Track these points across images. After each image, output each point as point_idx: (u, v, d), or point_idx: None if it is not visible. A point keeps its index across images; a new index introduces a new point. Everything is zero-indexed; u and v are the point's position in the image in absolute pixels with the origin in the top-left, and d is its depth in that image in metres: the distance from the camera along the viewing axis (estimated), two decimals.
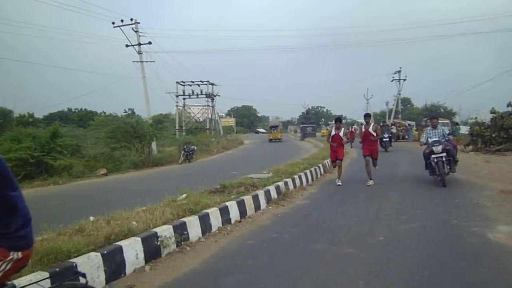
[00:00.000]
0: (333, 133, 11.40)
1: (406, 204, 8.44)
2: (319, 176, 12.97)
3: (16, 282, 3.46)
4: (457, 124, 34.90)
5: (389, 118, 49.93)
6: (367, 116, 11.89)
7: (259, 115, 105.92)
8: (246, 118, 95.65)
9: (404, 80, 46.92)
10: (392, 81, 47.62)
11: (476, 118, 31.33)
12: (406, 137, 36.16)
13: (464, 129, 32.44)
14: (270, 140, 46.77)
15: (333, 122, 11.96)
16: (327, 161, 14.55)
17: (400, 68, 46.93)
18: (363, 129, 11.53)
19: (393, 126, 36.60)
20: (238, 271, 4.66)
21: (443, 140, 10.43)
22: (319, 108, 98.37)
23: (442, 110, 62.78)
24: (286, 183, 9.70)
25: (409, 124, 38.53)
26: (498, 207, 7.83)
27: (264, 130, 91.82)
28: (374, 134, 11.19)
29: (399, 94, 48.20)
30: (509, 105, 23.76)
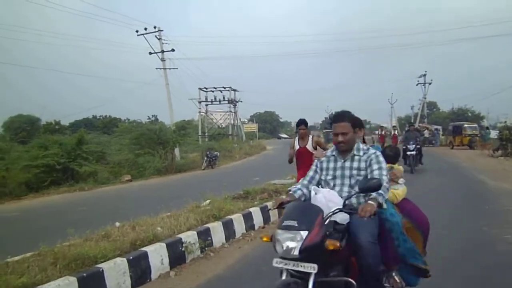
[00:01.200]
0: (296, 146, 6.58)
1: (436, 211, 8.21)
2: None
3: (44, 287, 3.52)
4: (487, 128, 33.99)
5: (415, 122, 49.06)
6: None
7: (281, 120, 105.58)
8: (268, 124, 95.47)
9: (430, 83, 45.98)
10: (417, 85, 46.77)
11: (505, 122, 30.40)
12: (433, 142, 35.33)
13: (493, 134, 31.50)
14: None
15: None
16: None
17: (426, 71, 46.05)
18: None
19: (425, 130, 35.61)
20: (262, 277, 4.61)
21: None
22: None
23: (469, 114, 61.14)
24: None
25: (436, 129, 37.64)
26: None
27: (286, 136, 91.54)
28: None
29: (425, 98, 47.26)
30: None
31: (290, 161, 6.75)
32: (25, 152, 17.98)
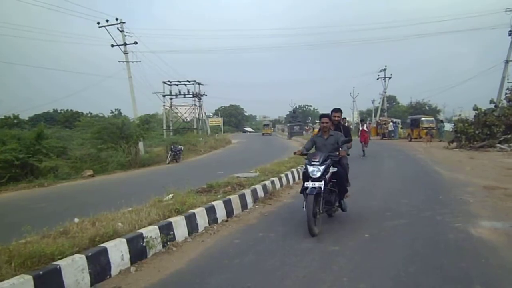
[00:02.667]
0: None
1: (391, 201, 8.54)
2: None
3: None
4: (441, 121, 35.45)
5: (375, 116, 50.40)
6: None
7: (246, 114, 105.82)
8: (233, 118, 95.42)
9: (390, 78, 47.53)
10: (377, 79, 48.15)
11: (460, 115, 31.88)
12: (393, 135, 36.55)
13: (448, 126, 32.94)
14: (263, 134, 61.65)
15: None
16: None
17: (386, 66, 47.50)
18: None
19: (389, 123, 36.84)
20: (225, 271, 4.67)
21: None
22: (306, 106, 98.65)
23: (427, 108, 63.52)
24: (273, 182, 9.73)
25: (394, 122, 38.96)
26: (481, 202, 7.99)
27: (251, 129, 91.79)
28: None
29: (385, 92, 48.76)
30: (491, 102, 24.22)
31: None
32: None
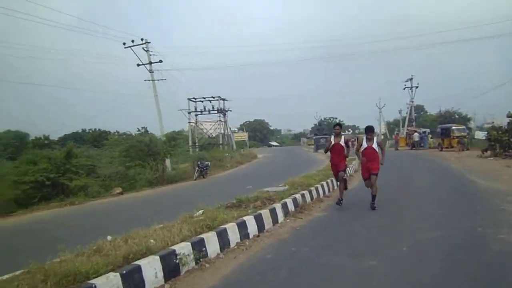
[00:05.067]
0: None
1: (426, 212, 8.23)
2: (335, 187, 12.78)
3: None
4: (470, 129, 34.48)
5: (403, 126, 49.44)
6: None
7: (271, 128, 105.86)
8: (258, 132, 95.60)
9: (417, 87, 46.56)
10: (404, 89, 47.32)
11: (493, 123, 30.84)
12: (422, 144, 35.69)
13: (481, 135, 31.88)
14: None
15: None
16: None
17: (412, 75, 46.64)
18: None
19: (414, 133, 36.16)
20: (258, 287, 4.54)
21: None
22: (331, 119, 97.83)
23: (456, 116, 61.97)
24: (303, 195, 9.56)
25: (424, 132, 38.06)
26: None
27: (277, 144, 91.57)
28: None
29: (412, 102, 47.77)
30: None
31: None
32: (13, 168, 17.74)
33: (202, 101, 43.12)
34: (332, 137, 9.67)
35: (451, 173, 15.70)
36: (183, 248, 5.21)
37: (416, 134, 36.74)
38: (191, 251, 5.31)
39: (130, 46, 27.32)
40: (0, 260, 6.68)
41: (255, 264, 5.47)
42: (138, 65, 28.14)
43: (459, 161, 20.46)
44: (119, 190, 17.98)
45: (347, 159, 10.05)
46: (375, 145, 8.89)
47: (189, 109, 42.57)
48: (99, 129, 59.23)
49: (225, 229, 6.26)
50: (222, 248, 6.02)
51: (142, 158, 21.15)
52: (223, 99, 45.30)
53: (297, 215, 8.47)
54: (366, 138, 9.00)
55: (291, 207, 8.64)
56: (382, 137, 37.20)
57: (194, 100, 42.78)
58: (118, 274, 4.18)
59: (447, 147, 30.75)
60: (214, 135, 49.72)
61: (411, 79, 46.51)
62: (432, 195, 10.59)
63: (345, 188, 9.73)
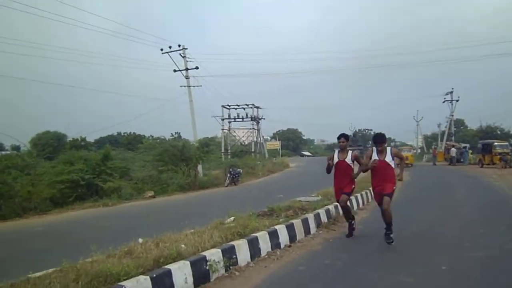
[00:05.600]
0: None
1: (467, 231, 7.81)
2: (370, 200, 12.43)
3: None
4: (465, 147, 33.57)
5: (441, 140, 47.84)
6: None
7: (304, 138, 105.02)
8: (291, 141, 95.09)
9: (457, 101, 45.02)
10: (443, 102, 45.88)
11: None
12: (462, 160, 34.35)
13: None
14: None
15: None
16: None
17: (452, 88, 45.18)
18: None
19: (451, 148, 35.00)
20: None
21: None
22: (366, 130, 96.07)
23: (498, 132, 59.38)
24: (336, 207, 9.28)
25: (464, 147, 36.62)
26: None
27: (309, 153, 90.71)
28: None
29: (452, 116, 46.21)
30: None
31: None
32: (51, 168, 18.32)
33: (235, 108, 43.44)
34: (336, 152, 7.49)
35: (493, 190, 14.94)
36: (214, 255, 5.12)
37: (453, 149, 35.45)
38: (222, 258, 5.21)
39: (167, 52, 27.80)
40: (34, 258, 6.82)
41: (287, 275, 5.31)
42: (175, 71, 28.58)
43: (501, 178, 19.50)
44: (151, 193, 18.19)
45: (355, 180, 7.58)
46: (388, 158, 6.83)
47: (222, 115, 42.94)
48: (134, 133, 60.68)
49: (256, 238, 6.13)
50: (252, 256, 5.89)
51: (175, 163, 21.36)
52: (257, 107, 45.43)
53: (330, 226, 8.23)
54: (377, 150, 6.91)
55: (324, 218, 8.40)
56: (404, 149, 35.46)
57: (228, 107, 43.12)
58: (148, 277, 4.13)
59: (488, 164, 29.44)
60: (246, 143, 49.90)
61: (451, 92, 45.07)
62: (474, 213, 10.08)
63: (352, 217, 7.61)
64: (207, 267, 4.93)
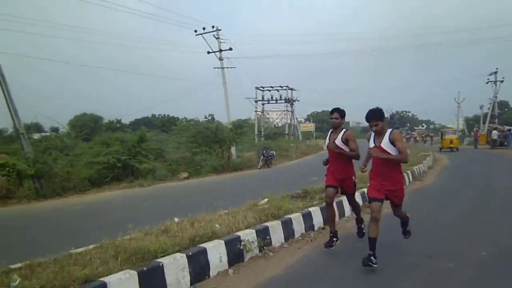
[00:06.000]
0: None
1: (510, 218, 7.50)
2: (411, 180, 12.20)
3: (106, 279, 3.50)
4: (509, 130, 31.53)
5: (484, 123, 45.94)
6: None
7: None
8: (325, 123, 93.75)
9: (501, 81, 42.90)
10: (487, 83, 43.85)
11: None
12: (506, 143, 32.86)
13: None
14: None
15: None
16: (418, 167, 13.64)
17: (497, 69, 43.03)
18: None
19: (493, 131, 33.54)
20: (324, 280, 4.37)
21: None
22: (404, 112, 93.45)
23: None
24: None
25: (508, 130, 34.95)
26: None
27: None
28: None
29: (495, 97, 44.14)
30: None
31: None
32: (88, 149, 18.91)
33: (269, 90, 43.21)
34: (329, 132, 5.87)
35: None
36: (248, 235, 5.16)
37: (495, 131, 33.93)
38: (256, 238, 5.25)
39: (201, 33, 27.73)
40: (76, 235, 7.10)
41: (321, 256, 5.29)
42: (209, 52, 28.54)
43: None
44: (185, 174, 18.49)
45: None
46: (385, 143, 4.84)
47: (256, 97, 42.83)
48: (167, 115, 61.68)
49: (290, 219, 6.13)
50: (286, 238, 5.91)
51: (209, 145, 21.57)
52: (291, 89, 45.04)
53: (365, 209, 8.09)
54: (372, 132, 5.05)
55: (359, 200, 8.27)
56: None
57: (261, 89, 42.94)
58: (184, 255, 4.22)
59: None
60: (280, 125, 49.71)
61: (495, 73, 42.98)
62: None
63: (361, 220, 6.19)
64: (241, 247, 4.99)
